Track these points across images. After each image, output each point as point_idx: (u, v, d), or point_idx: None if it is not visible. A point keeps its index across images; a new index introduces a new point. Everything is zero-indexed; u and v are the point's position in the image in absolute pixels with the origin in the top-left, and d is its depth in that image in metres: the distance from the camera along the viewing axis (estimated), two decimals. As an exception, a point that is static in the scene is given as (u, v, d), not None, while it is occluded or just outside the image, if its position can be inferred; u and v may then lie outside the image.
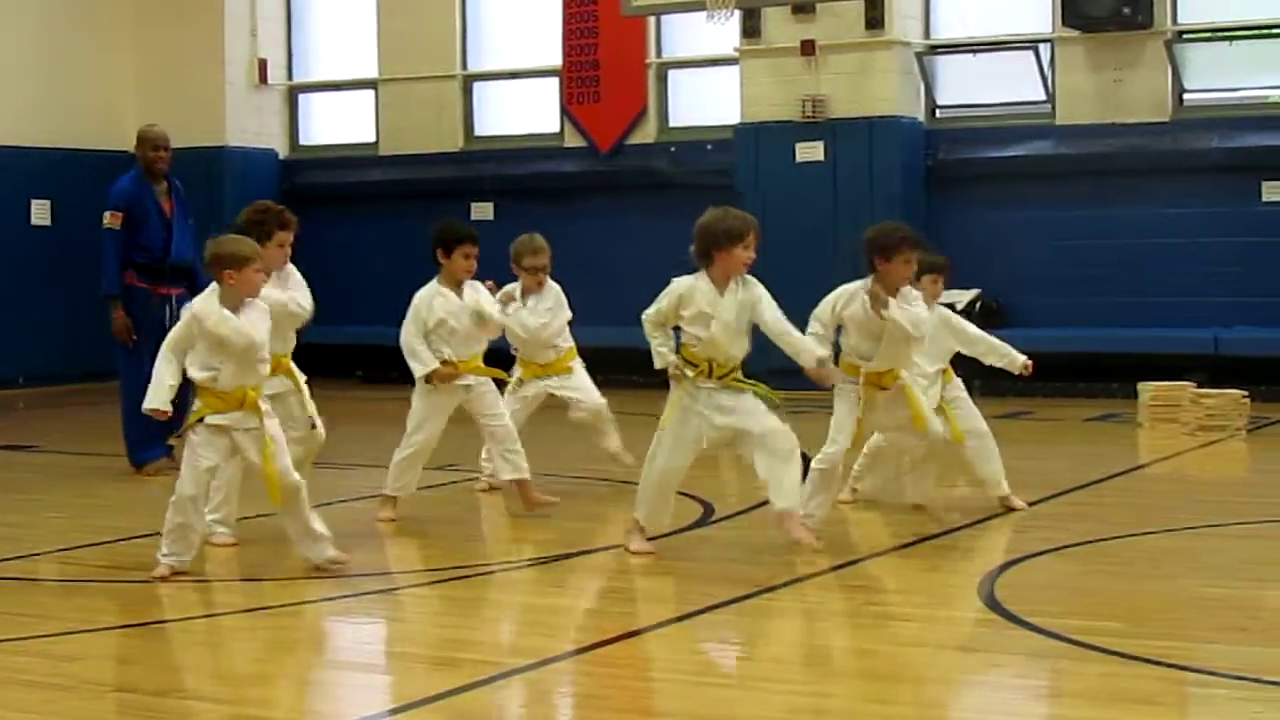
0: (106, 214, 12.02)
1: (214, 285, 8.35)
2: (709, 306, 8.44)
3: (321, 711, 6.24)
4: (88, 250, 19.33)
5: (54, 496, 11.30)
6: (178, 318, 11.62)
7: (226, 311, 8.23)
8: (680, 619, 7.27)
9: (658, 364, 8.62)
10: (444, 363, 9.73)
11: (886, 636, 7.23)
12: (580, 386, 10.98)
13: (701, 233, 8.48)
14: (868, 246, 8.96)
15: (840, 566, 8.31)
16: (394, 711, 5.98)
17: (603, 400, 11.00)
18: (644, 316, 8.61)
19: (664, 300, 8.55)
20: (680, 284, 8.54)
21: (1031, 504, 9.80)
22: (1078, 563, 8.47)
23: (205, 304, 8.31)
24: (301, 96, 20.82)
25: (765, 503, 9.91)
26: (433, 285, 9.86)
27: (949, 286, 16.36)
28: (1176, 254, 16.10)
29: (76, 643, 7.04)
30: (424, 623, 7.56)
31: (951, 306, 16.27)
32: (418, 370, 9.75)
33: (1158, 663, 6.40)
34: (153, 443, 11.85)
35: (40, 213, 19.28)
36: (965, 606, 7.54)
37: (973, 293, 16.53)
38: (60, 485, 11.81)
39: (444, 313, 9.75)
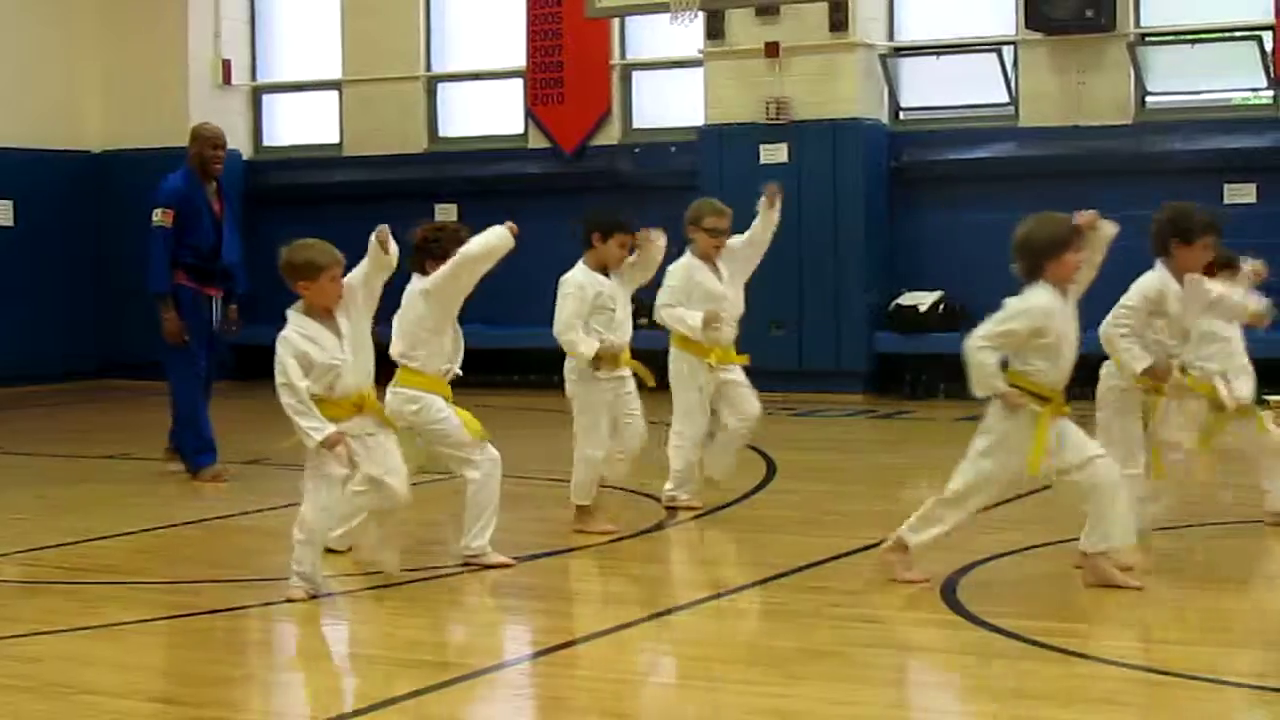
0: (157, 211, 11.58)
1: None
2: (1063, 324, 7.77)
3: (284, 713, 6.23)
4: (51, 251, 19.42)
5: (15, 498, 11.24)
6: (220, 318, 11.62)
7: (302, 326, 7.83)
8: (643, 620, 7.28)
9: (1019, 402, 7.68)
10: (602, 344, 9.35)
11: (848, 638, 7.24)
12: (749, 390, 10.15)
13: (1026, 247, 7.72)
14: (1168, 227, 8.40)
15: (803, 568, 8.32)
16: (357, 713, 5.98)
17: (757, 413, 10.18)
18: (983, 335, 7.67)
19: (1015, 322, 7.71)
20: (1039, 298, 7.73)
21: (993, 505, 9.78)
22: (1040, 564, 8.50)
23: (290, 327, 7.84)
24: (265, 97, 20.75)
25: (725, 506, 9.91)
26: (581, 268, 9.49)
27: (913, 288, 16.57)
28: (1138, 256, 16.08)
29: (39, 644, 7.02)
30: (387, 624, 7.55)
31: (915, 309, 16.50)
32: (586, 353, 9.29)
33: (1119, 663, 6.43)
34: (207, 449, 11.70)
35: (3, 213, 19.21)
36: (927, 608, 7.55)
37: (936, 294, 16.57)
38: (22, 486, 11.75)
39: (601, 288, 9.39)
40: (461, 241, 8.51)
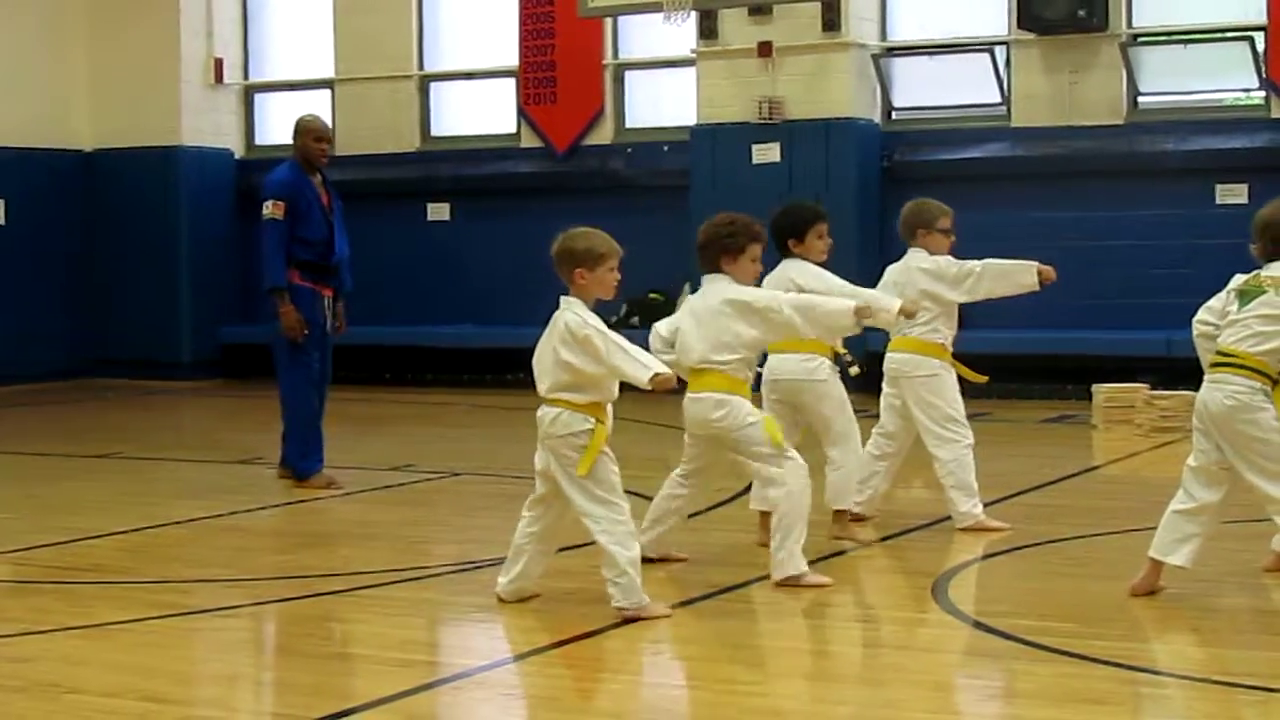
0: (268, 203, 10.99)
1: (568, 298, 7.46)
2: None
3: (274, 713, 6.21)
4: (42, 250, 19.40)
5: (5, 496, 11.23)
6: (330, 316, 11.09)
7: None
8: (635, 620, 7.26)
9: None
10: None
11: (840, 637, 7.25)
12: None
13: (1270, 228, 7.62)
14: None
15: (795, 567, 8.31)
16: (348, 713, 5.96)
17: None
18: None
19: None
20: None
21: (987, 505, 9.78)
22: (1032, 564, 8.50)
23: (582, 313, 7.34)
24: (257, 96, 20.74)
25: (716, 506, 9.90)
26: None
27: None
28: (1131, 256, 16.19)
29: (29, 644, 7.00)
30: (378, 624, 7.54)
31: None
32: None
33: (1110, 663, 6.42)
34: (316, 453, 11.19)
35: (-6, 212, 19.24)
36: (919, 608, 7.55)
37: (928, 294, 16.55)
38: (11, 485, 11.74)
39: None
40: (756, 235, 8.02)
